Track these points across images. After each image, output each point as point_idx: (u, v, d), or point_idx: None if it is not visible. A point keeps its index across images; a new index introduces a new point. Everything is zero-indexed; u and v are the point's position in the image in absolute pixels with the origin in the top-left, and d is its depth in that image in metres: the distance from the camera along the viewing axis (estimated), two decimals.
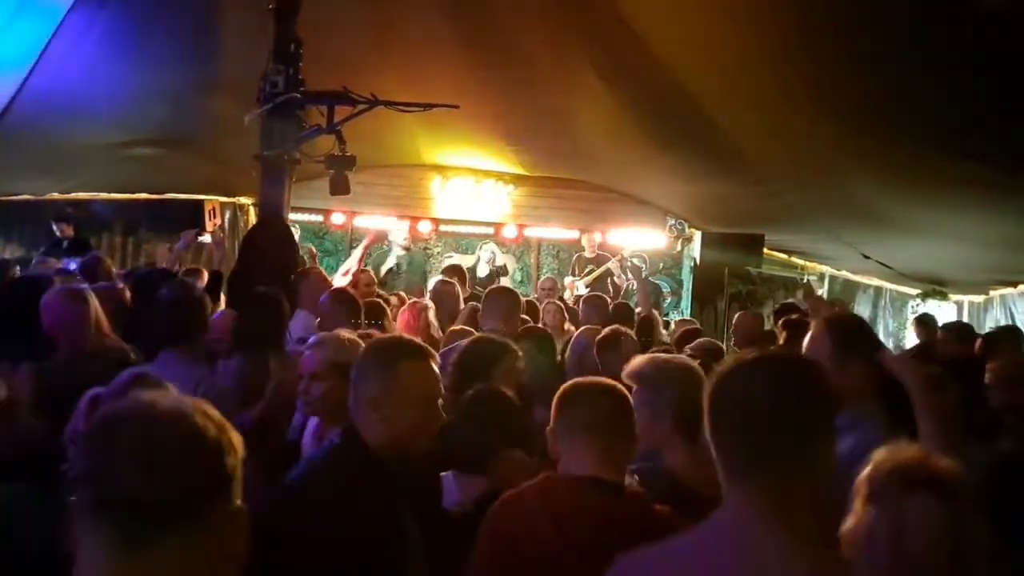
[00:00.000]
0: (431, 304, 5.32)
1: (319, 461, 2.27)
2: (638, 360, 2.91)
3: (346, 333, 3.09)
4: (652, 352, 3.40)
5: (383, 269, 9.05)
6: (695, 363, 2.91)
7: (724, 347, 5.77)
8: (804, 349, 2.72)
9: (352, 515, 2.03)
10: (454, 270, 7.82)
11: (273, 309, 4.09)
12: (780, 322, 6.22)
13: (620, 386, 2.40)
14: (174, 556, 1.19)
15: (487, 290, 4.78)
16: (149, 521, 1.18)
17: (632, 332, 4.53)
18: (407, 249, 9.23)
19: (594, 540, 2.07)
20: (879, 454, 1.64)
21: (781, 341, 5.91)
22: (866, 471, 1.63)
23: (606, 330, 4.38)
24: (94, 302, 3.77)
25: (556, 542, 2.15)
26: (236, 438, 1.26)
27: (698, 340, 5.15)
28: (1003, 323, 8.52)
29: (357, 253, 6.73)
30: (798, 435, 1.51)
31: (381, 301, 5.49)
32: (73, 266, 6.52)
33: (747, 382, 1.54)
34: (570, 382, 2.44)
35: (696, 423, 1.65)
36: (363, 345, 2.90)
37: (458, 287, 6.19)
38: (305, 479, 2.23)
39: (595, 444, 2.24)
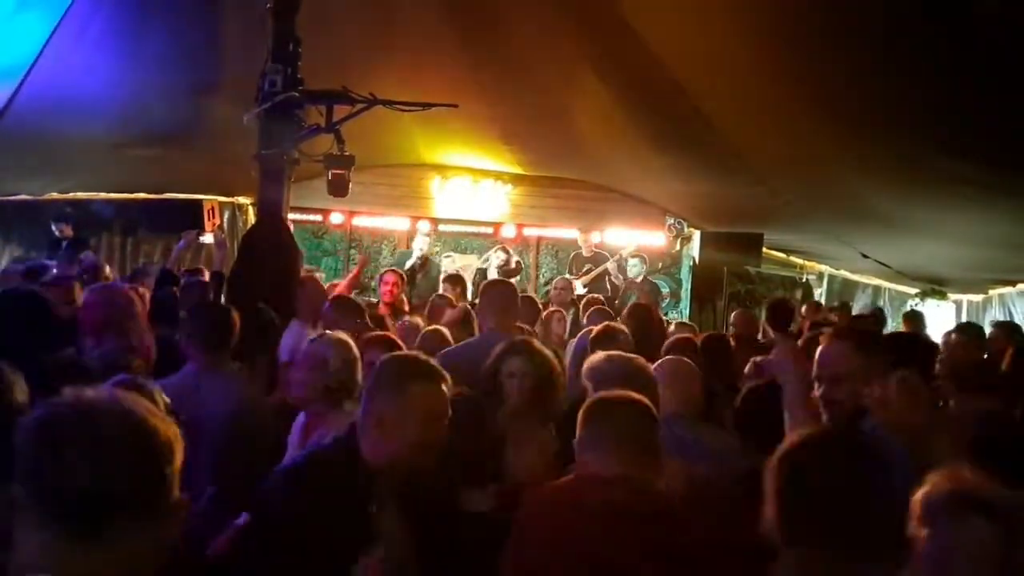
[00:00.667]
0: (421, 323, 5.39)
1: (303, 455, 2.41)
2: (596, 357, 2.96)
3: (339, 334, 3.25)
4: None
5: (407, 264, 9.06)
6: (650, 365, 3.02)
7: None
8: (834, 362, 2.64)
9: (312, 507, 2.11)
10: (455, 281, 7.83)
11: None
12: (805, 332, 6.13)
13: (643, 398, 2.45)
14: (122, 548, 1.22)
15: (482, 285, 4.78)
16: (99, 515, 1.20)
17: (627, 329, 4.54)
18: (425, 259, 9.21)
19: (621, 536, 2.13)
20: (935, 476, 1.67)
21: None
22: (921, 491, 1.66)
23: (598, 327, 4.41)
24: (141, 302, 3.67)
25: (583, 537, 2.20)
26: (176, 431, 1.30)
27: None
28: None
29: (349, 278, 6.71)
30: (874, 519, 1.60)
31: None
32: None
33: (829, 464, 1.65)
34: (595, 396, 2.50)
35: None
36: (352, 344, 3.13)
37: (453, 301, 6.32)
38: (285, 470, 2.37)
39: (619, 453, 2.30)
